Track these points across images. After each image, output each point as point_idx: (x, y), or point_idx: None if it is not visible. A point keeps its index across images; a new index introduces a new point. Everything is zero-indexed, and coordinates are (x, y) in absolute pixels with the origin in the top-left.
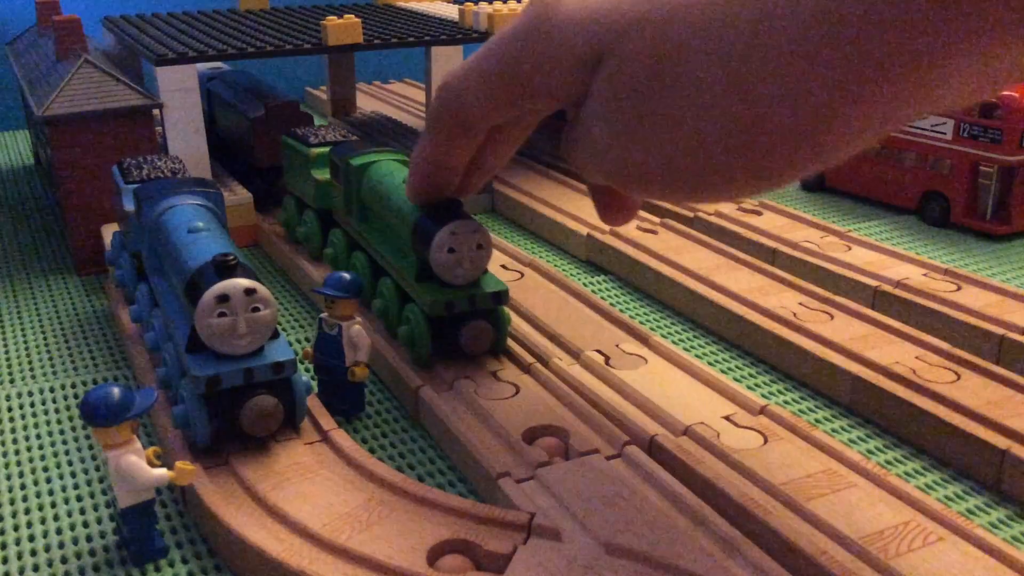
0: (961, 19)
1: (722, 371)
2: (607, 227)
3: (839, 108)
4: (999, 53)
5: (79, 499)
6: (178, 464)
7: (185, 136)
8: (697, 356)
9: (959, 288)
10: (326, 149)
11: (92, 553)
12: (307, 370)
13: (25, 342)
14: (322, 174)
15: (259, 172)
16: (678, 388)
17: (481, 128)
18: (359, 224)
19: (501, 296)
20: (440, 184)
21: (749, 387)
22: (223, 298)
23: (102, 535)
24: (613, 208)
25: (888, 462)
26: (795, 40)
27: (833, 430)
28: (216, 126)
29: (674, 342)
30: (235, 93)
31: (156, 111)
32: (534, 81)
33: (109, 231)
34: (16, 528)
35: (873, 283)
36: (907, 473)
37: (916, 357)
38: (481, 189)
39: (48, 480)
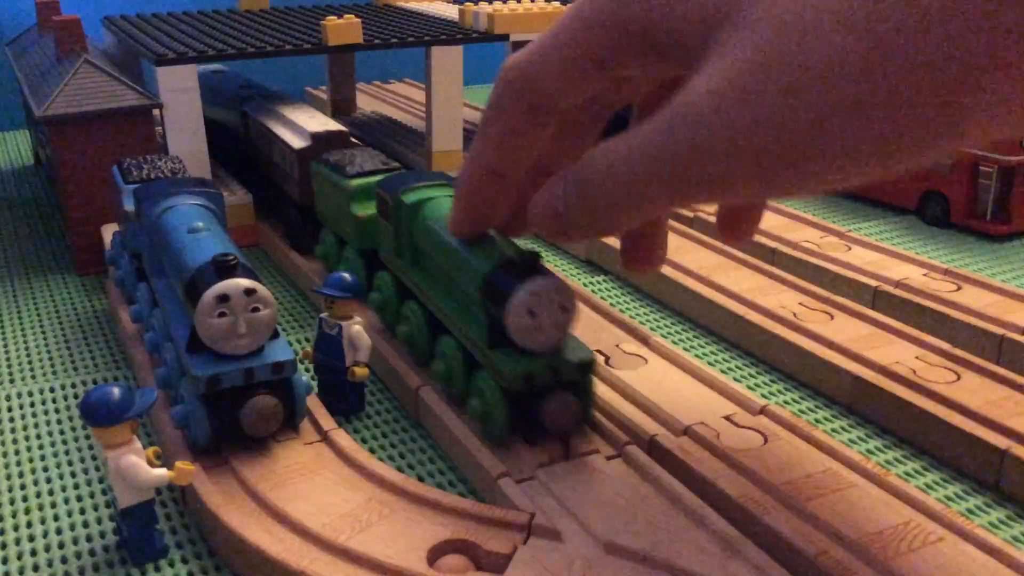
0: None
1: (722, 371)
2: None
3: (987, 71)
4: None
5: (79, 499)
6: (178, 464)
7: (185, 136)
8: (697, 356)
9: (959, 288)
10: (368, 181)
11: (92, 553)
12: (307, 370)
13: (25, 342)
14: (364, 209)
15: (301, 209)
16: (678, 388)
17: (555, 109)
18: (412, 270)
19: (589, 366)
20: (491, 202)
21: (749, 387)
22: (223, 298)
23: (102, 535)
24: (647, 243)
25: (888, 462)
26: None
27: (833, 430)
28: (246, 152)
29: (674, 342)
30: (275, 117)
31: (156, 111)
32: (651, 21)
33: (109, 231)
34: (16, 528)
35: (873, 283)
36: (907, 473)
37: (916, 357)
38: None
39: (48, 480)
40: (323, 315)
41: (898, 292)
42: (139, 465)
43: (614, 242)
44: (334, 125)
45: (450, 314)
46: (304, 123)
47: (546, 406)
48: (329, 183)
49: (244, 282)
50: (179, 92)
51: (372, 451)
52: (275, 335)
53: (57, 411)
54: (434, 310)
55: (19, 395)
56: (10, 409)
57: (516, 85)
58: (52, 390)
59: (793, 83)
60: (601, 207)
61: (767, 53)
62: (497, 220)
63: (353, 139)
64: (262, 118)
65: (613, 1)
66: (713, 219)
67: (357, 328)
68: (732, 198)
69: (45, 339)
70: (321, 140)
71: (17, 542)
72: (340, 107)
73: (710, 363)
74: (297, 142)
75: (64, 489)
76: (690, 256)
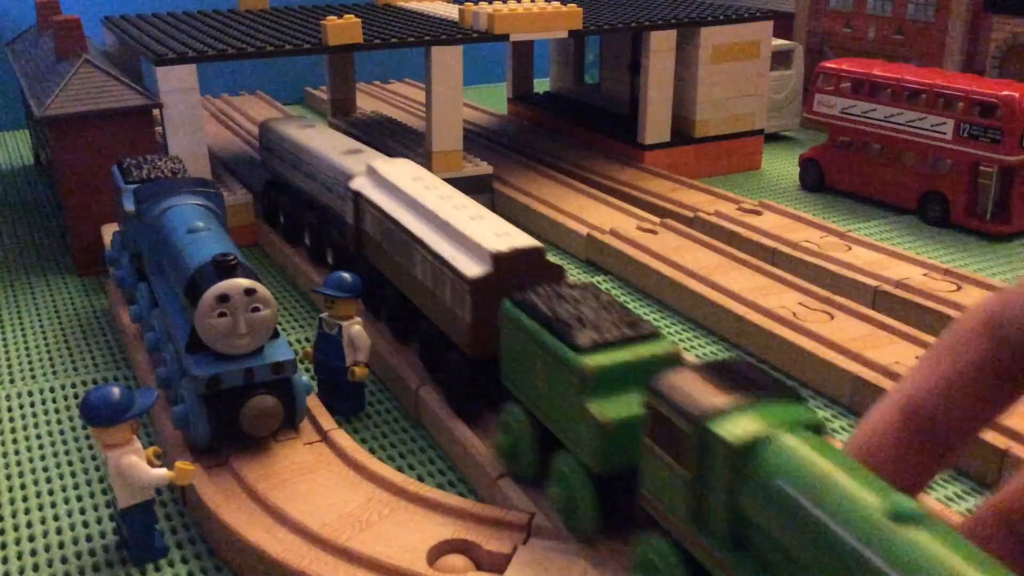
0: None
1: None
2: (607, 227)
3: None
4: None
5: (79, 499)
6: (178, 464)
7: (185, 136)
8: (697, 356)
9: (959, 288)
10: (615, 360)
11: (92, 553)
12: (307, 370)
13: (25, 342)
14: (608, 409)
15: (471, 365)
16: None
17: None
18: (737, 561)
19: None
20: (902, 465)
21: None
22: (223, 298)
23: (102, 535)
24: None
25: None
26: None
27: (833, 430)
28: (355, 249)
29: (674, 342)
30: (419, 212)
31: (156, 111)
32: None
33: (109, 231)
34: (16, 528)
35: (873, 283)
36: None
37: (916, 357)
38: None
39: (48, 480)
40: (323, 315)
41: (898, 292)
42: (139, 465)
43: (613, 240)
44: (523, 238)
45: None
46: (473, 232)
47: None
48: (533, 343)
49: (244, 282)
50: (179, 92)
51: (372, 451)
52: (275, 335)
53: (57, 411)
54: None
55: (19, 395)
56: (10, 409)
57: (992, 310)
58: (52, 390)
59: None
60: None
61: None
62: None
63: (549, 259)
64: (396, 211)
65: None
66: (714, 219)
67: (357, 328)
68: None
69: (45, 339)
70: (506, 264)
71: (17, 542)
72: (340, 107)
73: None
74: (469, 266)
75: (64, 489)
76: (690, 256)
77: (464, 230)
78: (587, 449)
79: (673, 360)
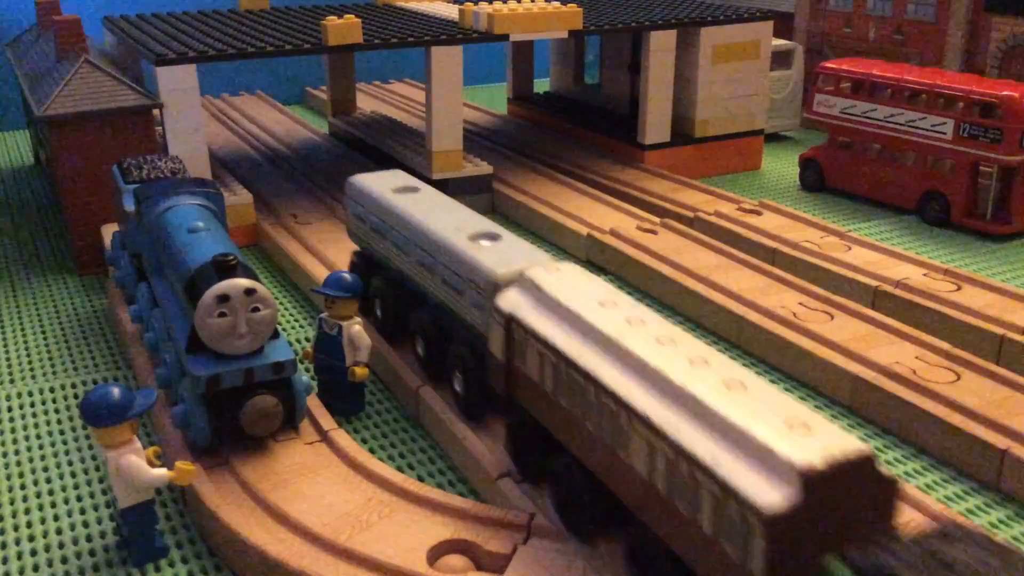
0: None
1: None
2: (607, 227)
3: None
4: None
5: (79, 499)
6: (178, 464)
7: (185, 136)
8: None
9: (959, 288)
10: None
11: (92, 553)
12: (307, 370)
13: (25, 342)
14: None
15: None
16: None
17: None
18: None
19: None
20: None
21: None
22: (223, 298)
23: (102, 535)
24: None
25: (888, 462)
26: None
27: None
28: (541, 411)
29: None
30: (632, 369)
31: (156, 111)
32: None
33: (109, 231)
34: (16, 528)
35: (873, 283)
36: (907, 473)
37: (916, 357)
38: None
39: (48, 480)
40: (323, 315)
41: (898, 292)
42: (139, 465)
43: (614, 241)
44: (835, 435)
45: None
46: (751, 421)
47: None
48: None
49: (244, 282)
50: (179, 92)
51: (372, 451)
52: (275, 335)
53: (57, 411)
54: None
55: (19, 395)
56: (10, 409)
57: None
58: (52, 390)
59: None
60: None
61: None
62: None
63: (880, 469)
64: (589, 360)
65: None
66: (714, 219)
67: (357, 328)
68: None
69: (45, 339)
70: (824, 487)
71: (17, 542)
72: (340, 107)
73: None
74: (759, 486)
75: (64, 489)
76: (690, 256)
77: (732, 417)
78: None
79: None
